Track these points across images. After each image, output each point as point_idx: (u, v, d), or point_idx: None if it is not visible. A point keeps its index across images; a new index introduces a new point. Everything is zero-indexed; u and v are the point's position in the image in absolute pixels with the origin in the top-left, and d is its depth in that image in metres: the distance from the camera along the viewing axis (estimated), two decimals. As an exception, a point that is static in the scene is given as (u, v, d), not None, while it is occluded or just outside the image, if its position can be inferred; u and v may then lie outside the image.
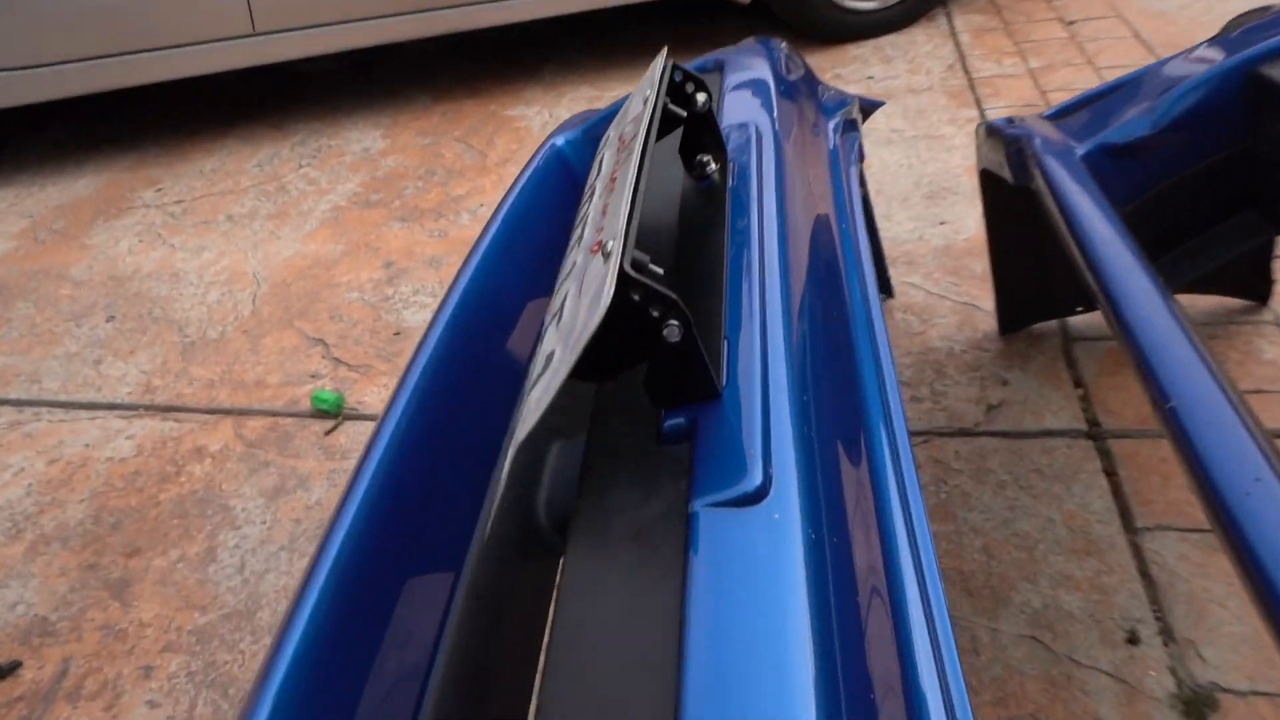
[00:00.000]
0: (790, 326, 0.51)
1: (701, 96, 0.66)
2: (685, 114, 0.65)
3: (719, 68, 1.01)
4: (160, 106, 3.04)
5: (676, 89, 0.66)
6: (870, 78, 2.67)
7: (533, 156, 1.08)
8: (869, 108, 1.41)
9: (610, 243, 0.44)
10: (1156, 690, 1.07)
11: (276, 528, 1.43)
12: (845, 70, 2.76)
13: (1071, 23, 2.79)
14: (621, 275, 0.40)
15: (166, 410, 1.73)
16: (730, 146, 0.73)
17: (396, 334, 1.84)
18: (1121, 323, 0.78)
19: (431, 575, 0.59)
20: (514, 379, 0.68)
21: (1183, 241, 0.99)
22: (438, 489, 0.62)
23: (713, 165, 0.69)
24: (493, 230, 0.96)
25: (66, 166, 2.82)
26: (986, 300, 1.68)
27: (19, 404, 1.80)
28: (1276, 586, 0.48)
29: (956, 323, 1.67)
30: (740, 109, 0.85)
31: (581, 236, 0.60)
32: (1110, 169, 0.92)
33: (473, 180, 2.41)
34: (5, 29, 2.39)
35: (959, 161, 2.15)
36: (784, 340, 0.49)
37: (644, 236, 0.48)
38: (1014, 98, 2.43)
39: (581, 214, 0.65)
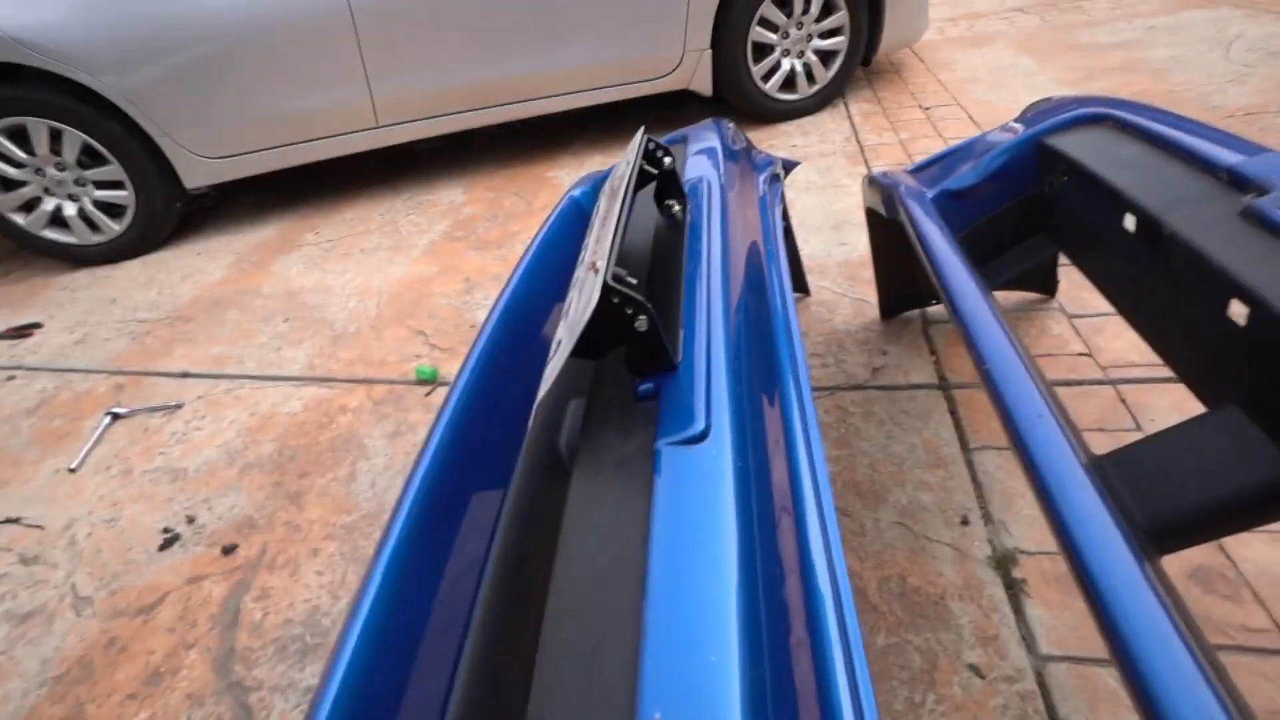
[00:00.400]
0: (728, 318, 0.50)
1: (668, 159, 0.64)
2: (656, 172, 0.63)
3: (684, 139, 0.98)
4: (318, 176, 3.00)
5: (651, 154, 0.64)
6: (794, 145, 2.62)
7: (556, 204, 1.05)
8: (790, 166, 1.38)
9: (599, 262, 0.42)
10: (979, 555, 1.07)
11: (395, 458, 1.43)
12: (777, 140, 2.71)
13: (927, 108, 2.73)
14: (605, 286, 0.38)
15: (323, 380, 1.72)
16: (689, 194, 0.71)
17: (473, 327, 1.83)
18: (955, 310, 0.76)
19: (488, 490, 0.58)
20: (543, 356, 0.67)
21: (998, 255, 0.97)
22: (490, 431, 0.62)
23: (677, 208, 0.67)
24: (527, 256, 0.94)
25: (258, 218, 2.80)
26: (872, 296, 1.66)
27: (232, 378, 1.80)
28: (1044, 480, 0.48)
29: (853, 312, 1.65)
30: (697, 168, 0.83)
31: (584, 259, 0.59)
32: (950, 207, 0.90)
33: (523, 221, 2.38)
34: (230, 130, 2.37)
35: (854, 203, 2.12)
36: (723, 328, 0.48)
37: (624, 258, 0.47)
38: (890, 159, 2.38)
39: (585, 243, 0.63)
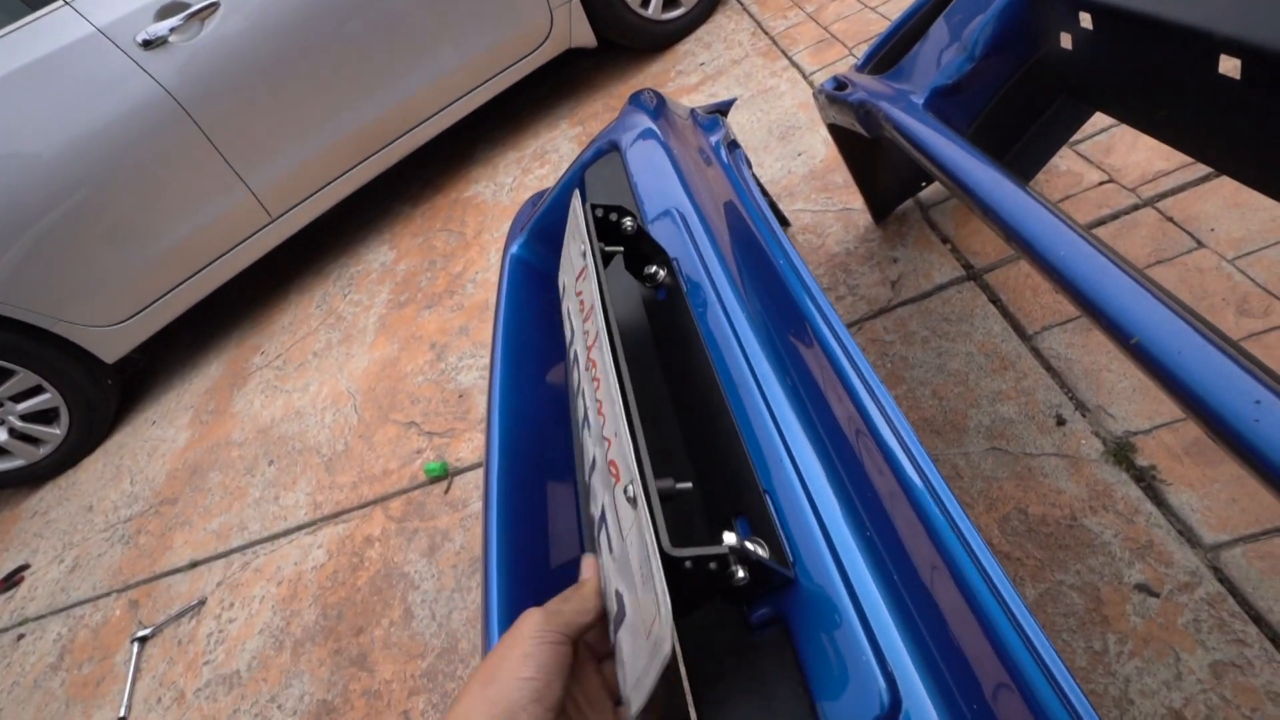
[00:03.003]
0: (828, 463, 0.34)
1: (628, 221, 0.48)
2: (621, 246, 0.47)
3: (615, 146, 0.80)
4: (242, 291, 2.77)
5: (602, 223, 0.48)
6: (703, 64, 2.38)
7: (501, 269, 0.89)
8: (725, 108, 1.19)
9: (629, 486, 0.28)
10: (1091, 454, 0.96)
11: (443, 576, 1.31)
12: (682, 65, 2.46)
13: (824, -36, 2.46)
14: (665, 559, 0.24)
15: (334, 517, 1.58)
16: (663, 238, 0.55)
17: (460, 396, 1.67)
18: (1012, 235, 0.61)
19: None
20: (558, 408, 0.60)
21: (1018, 139, 0.80)
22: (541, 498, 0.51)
23: (661, 272, 0.51)
24: (498, 338, 0.80)
25: (198, 359, 2.59)
26: (855, 202, 1.49)
27: (242, 549, 1.66)
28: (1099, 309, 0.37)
29: (842, 227, 1.49)
30: (653, 185, 0.66)
31: (579, 383, 0.44)
32: (947, 106, 0.73)
33: (464, 256, 2.18)
34: (123, 287, 2.14)
35: (790, 104, 1.92)
36: (830, 486, 0.33)
37: (651, 430, 0.32)
38: (807, 39, 2.15)
39: (571, 356, 0.47)
